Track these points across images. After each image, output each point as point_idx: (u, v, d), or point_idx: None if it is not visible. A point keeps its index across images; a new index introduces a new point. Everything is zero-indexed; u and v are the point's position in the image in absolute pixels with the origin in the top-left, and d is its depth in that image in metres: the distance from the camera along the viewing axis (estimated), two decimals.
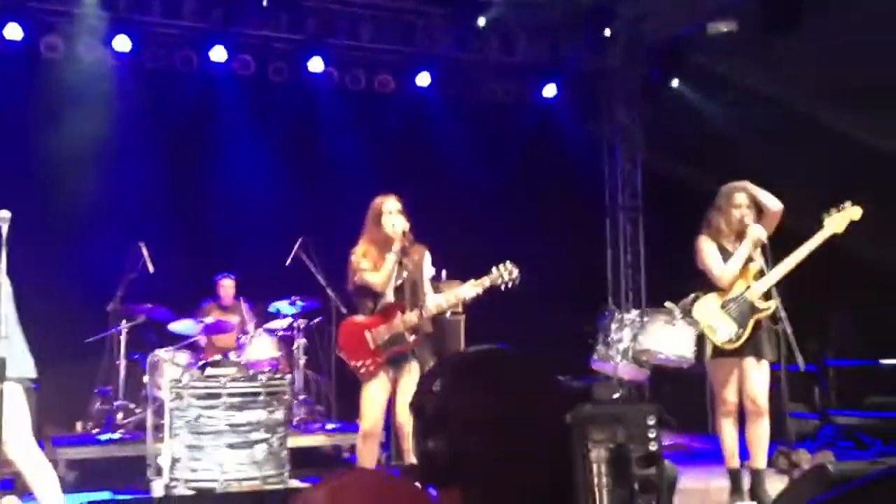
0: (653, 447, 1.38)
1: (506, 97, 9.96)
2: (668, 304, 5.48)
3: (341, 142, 9.06)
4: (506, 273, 4.72)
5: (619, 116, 10.67)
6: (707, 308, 5.10)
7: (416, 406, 1.51)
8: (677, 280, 5.67)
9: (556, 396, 1.46)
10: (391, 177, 8.46)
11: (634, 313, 5.86)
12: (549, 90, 10.09)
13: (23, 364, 4.24)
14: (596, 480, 1.32)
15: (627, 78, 10.44)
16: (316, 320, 7.27)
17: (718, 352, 5.02)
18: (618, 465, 1.34)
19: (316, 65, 9.04)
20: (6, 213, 4.06)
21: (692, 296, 5.27)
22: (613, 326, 5.79)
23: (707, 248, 5.12)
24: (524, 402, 1.41)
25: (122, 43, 8.30)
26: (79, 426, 7.07)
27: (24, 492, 5.21)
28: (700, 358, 5.20)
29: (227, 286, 7.76)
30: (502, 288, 4.73)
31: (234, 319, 7.51)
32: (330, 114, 9.24)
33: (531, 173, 9.83)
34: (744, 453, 5.04)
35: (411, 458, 4.76)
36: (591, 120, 10.54)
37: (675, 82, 9.72)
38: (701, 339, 5.16)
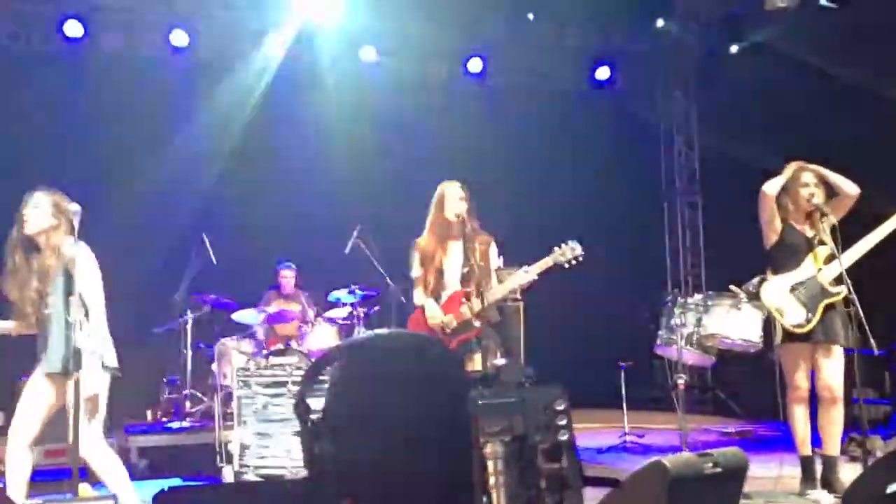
0: (562, 437, 1.19)
1: (558, 81, 9.87)
2: (732, 287, 5.38)
3: (395, 130, 9.08)
4: (568, 251, 4.65)
5: (674, 97, 10.50)
6: (775, 291, 4.99)
7: (299, 408, 1.32)
8: (737, 264, 5.56)
9: (453, 385, 1.23)
10: (446, 163, 8.45)
11: (698, 297, 5.75)
12: (603, 73, 9.98)
13: (111, 354, 4.32)
14: (492, 480, 1.12)
15: (683, 57, 10.26)
16: (375, 308, 7.31)
17: (788, 336, 4.91)
18: (519, 460, 1.14)
19: (368, 54, 9.08)
20: (77, 207, 4.13)
21: (757, 278, 5.16)
22: (677, 311, 5.69)
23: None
24: (416, 394, 1.20)
25: (178, 38, 8.44)
26: (149, 415, 7.24)
27: (98, 480, 5.35)
28: (768, 343, 5.10)
29: (287, 276, 7.87)
30: (565, 266, 4.66)
31: (295, 308, 7.61)
32: (383, 102, 9.26)
33: (585, 158, 9.74)
34: (815, 440, 4.94)
35: None
36: (646, 102, 10.39)
37: (732, 60, 9.51)
38: (768, 324, 5.06)
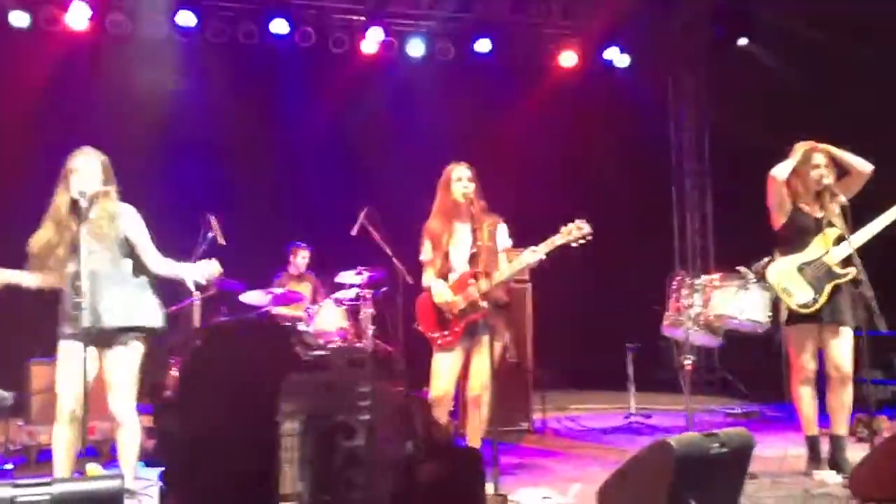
0: (361, 417, 1.23)
1: (567, 61, 9.80)
2: (740, 267, 5.36)
3: (403, 111, 9.06)
4: (575, 230, 4.58)
5: (684, 78, 10.44)
6: (782, 271, 4.97)
7: (153, 386, 1.40)
8: (746, 245, 5.53)
9: (276, 369, 1.26)
10: (455, 144, 8.43)
11: (705, 278, 5.73)
12: (612, 53, 9.91)
13: None
14: (286, 454, 1.17)
15: (693, 38, 10.18)
16: (382, 290, 7.31)
17: (795, 317, 4.90)
18: (316, 437, 1.18)
19: (375, 34, 9.05)
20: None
21: (765, 259, 5.15)
22: (684, 292, 5.68)
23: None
24: (248, 377, 1.25)
25: (185, 18, 8.42)
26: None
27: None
28: (775, 323, 5.08)
29: (303, 255, 7.87)
30: (573, 245, 4.60)
31: (304, 290, 7.62)
32: (390, 83, 9.24)
33: (595, 139, 9.70)
34: (821, 421, 4.94)
35: (475, 431, 4.77)
36: (655, 82, 10.33)
37: (742, 41, 9.43)
38: (776, 304, 5.05)
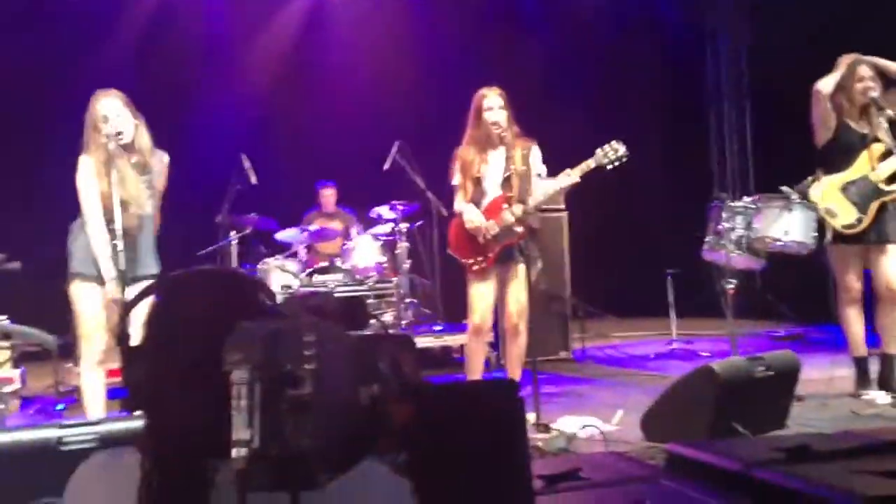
0: (308, 366, 1.24)
1: None
2: (783, 188, 5.22)
3: (433, 40, 8.89)
4: (611, 152, 4.47)
5: None
6: (825, 191, 4.83)
7: (118, 332, 1.41)
8: (788, 166, 5.37)
9: (234, 319, 1.28)
10: (487, 70, 8.26)
11: (747, 200, 5.59)
12: None
13: None
14: (234, 403, 1.20)
15: None
16: (417, 223, 7.27)
17: (839, 237, 4.77)
18: (264, 386, 1.21)
19: None
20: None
21: (809, 179, 5.00)
22: (724, 215, 5.55)
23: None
24: (213, 327, 1.25)
25: None
26: None
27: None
28: (821, 243, 4.96)
29: (327, 195, 7.87)
30: (608, 167, 4.50)
31: (337, 226, 7.61)
32: (420, 13, 9.05)
33: (630, 61, 9.44)
34: (869, 341, 4.84)
35: (516, 360, 4.75)
36: (693, 2, 9.97)
37: None
38: (821, 224, 4.91)
